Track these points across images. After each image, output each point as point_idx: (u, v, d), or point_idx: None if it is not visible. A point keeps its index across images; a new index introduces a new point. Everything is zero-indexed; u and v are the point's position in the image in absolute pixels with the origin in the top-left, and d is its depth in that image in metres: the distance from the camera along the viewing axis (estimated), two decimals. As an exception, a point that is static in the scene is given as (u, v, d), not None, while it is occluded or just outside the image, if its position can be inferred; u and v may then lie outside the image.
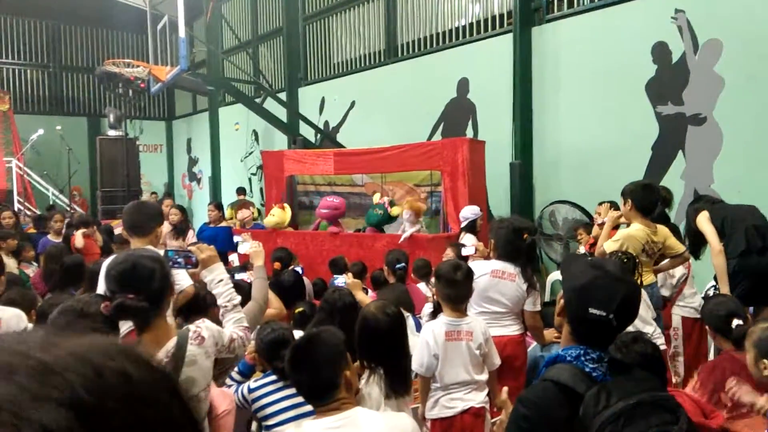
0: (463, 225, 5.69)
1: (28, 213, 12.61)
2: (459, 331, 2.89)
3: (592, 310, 1.44)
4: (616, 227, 4.24)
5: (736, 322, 2.68)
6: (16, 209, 11.89)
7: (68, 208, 12.09)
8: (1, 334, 2.37)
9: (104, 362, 0.43)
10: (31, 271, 5.50)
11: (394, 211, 6.69)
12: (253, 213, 7.92)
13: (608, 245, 3.69)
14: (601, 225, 4.93)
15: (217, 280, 2.45)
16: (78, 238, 6.20)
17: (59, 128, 13.62)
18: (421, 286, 4.82)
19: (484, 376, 2.96)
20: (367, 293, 4.08)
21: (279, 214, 7.08)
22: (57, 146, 13.62)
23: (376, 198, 7.03)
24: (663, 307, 4.15)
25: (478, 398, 2.90)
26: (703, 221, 3.96)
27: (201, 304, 3.12)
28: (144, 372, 0.45)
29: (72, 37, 16.69)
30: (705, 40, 5.87)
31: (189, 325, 2.17)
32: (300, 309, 3.52)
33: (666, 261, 3.97)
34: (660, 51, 6.25)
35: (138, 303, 1.96)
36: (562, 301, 1.57)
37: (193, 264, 2.49)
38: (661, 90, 6.25)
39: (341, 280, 3.97)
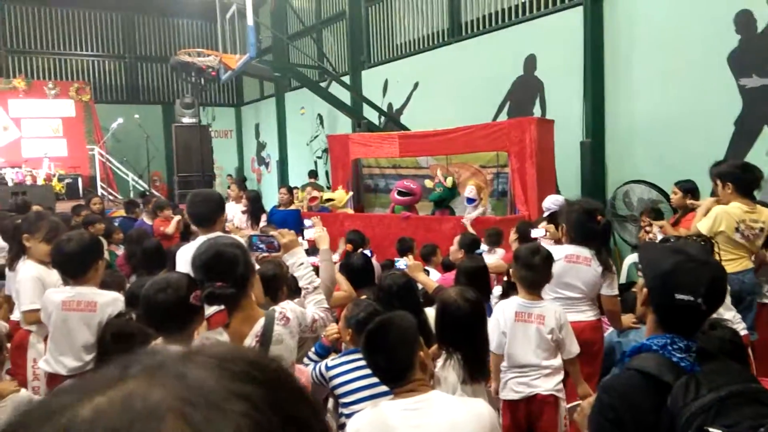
0: (544, 215, 5.60)
1: (111, 198, 13.37)
2: (530, 313, 2.88)
3: (678, 296, 1.41)
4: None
5: None
6: (99, 194, 12.65)
7: (148, 194, 12.72)
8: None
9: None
10: (120, 252, 5.86)
11: (448, 182, 6.95)
12: (321, 197, 8.18)
13: (701, 224, 3.59)
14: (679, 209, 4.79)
15: (299, 263, 2.55)
16: (172, 225, 6.56)
17: (137, 117, 14.29)
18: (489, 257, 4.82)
19: (555, 362, 2.90)
20: (428, 274, 4.10)
21: (338, 195, 7.49)
22: (135, 134, 14.30)
23: (429, 183, 7.17)
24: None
25: (545, 385, 2.85)
26: None
27: (275, 287, 3.24)
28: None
29: (145, 28, 17.37)
30: (796, 7, 5.48)
31: (275, 306, 2.27)
32: (364, 297, 3.55)
33: None
34: (744, 20, 5.87)
35: (226, 290, 2.07)
36: (645, 290, 1.55)
37: (276, 248, 2.60)
38: (745, 61, 5.88)
39: (402, 263, 4.01)
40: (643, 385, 1.36)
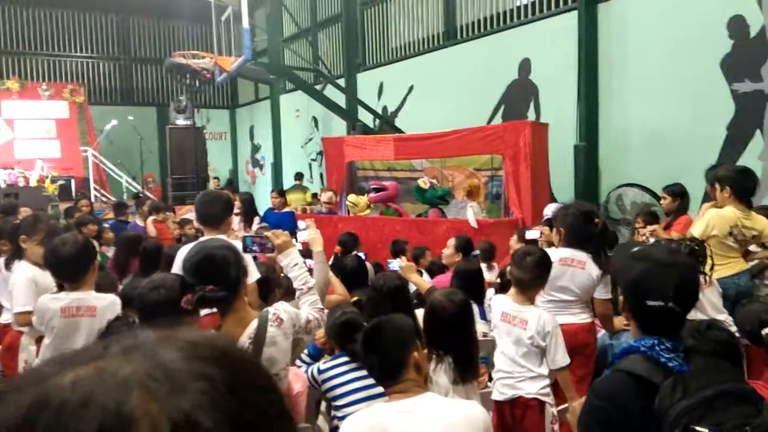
0: (543, 220, 5.63)
1: (104, 200, 13.32)
2: (515, 316, 2.87)
3: (650, 303, 1.45)
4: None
5: (766, 330, 2.51)
6: (92, 196, 12.61)
7: (141, 195, 12.67)
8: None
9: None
10: (111, 253, 5.82)
11: (441, 191, 6.95)
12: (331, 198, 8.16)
13: (695, 228, 3.62)
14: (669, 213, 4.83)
15: (293, 264, 2.53)
16: (149, 227, 6.46)
17: (131, 118, 14.26)
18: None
19: (541, 369, 2.84)
20: (421, 275, 4.11)
21: (362, 202, 7.54)
22: (129, 135, 14.27)
23: (423, 184, 7.17)
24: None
25: (529, 388, 2.81)
26: None
27: (266, 289, 3.23)
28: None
29: (140, 30, 17.35)
30: (787, 12, 5.53)
31: (268, 307, 2.27)
32: (356, 298, 3.56)
33: (760, 250, 3.84)
34: (736, 25, 5.92)
35: (218, 294, 2.06)
36: (621, 298, 1.58)
37: (270, 249, 2.59)
38: (738, 66, 5.94)
39: (395, 264, 4.03)
40: (632, 387, 1.37)
